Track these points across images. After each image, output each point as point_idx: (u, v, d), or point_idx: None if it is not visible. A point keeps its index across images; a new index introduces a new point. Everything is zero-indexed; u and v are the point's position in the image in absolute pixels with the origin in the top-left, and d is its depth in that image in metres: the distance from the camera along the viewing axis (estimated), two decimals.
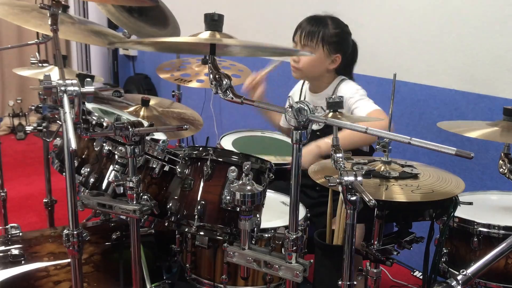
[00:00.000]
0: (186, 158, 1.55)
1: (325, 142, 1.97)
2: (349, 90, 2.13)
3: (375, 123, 1.88)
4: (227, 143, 2.42)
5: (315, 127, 2.17)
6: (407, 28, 2.71)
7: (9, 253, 1.66)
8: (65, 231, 1.29)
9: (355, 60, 2.27)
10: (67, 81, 1.17)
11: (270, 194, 1.97)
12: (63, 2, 1.68)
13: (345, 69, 2.24)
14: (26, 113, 5.01)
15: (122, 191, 1.38)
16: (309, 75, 2.22)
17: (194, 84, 2.64)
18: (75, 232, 1.29)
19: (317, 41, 2.10)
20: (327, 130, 2.11)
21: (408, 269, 2.80)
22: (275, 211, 1.83)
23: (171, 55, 3.12)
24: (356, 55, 2.27)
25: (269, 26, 3.66)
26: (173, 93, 3.17)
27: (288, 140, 2.52)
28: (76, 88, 1.17)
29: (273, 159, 1.98)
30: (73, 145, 1.06)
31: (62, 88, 1.16)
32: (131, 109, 2.29)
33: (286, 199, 1.98)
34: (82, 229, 1.31)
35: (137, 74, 5.52)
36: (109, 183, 1.55)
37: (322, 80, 2.22)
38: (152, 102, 2.35)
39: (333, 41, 2.12)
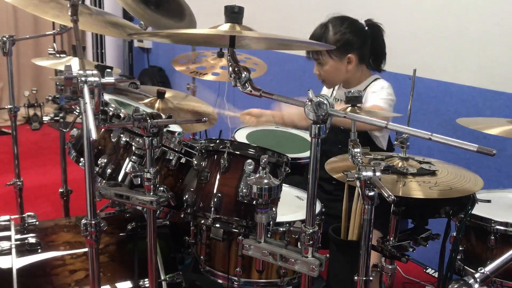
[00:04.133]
0: (203, 151, 1.55)
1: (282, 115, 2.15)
2: (377, 86, 2.13)
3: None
4: (241, 136, 2.42)
5: None
6: (425, 24, 2.68)
7: (26, 241, 1.68)
8: (83, 220, 1.30)
9: (378, 48, 2.19)
10: (88, 72, 1.18)
11: (285, 188, 1.97)
12: None
13: (376, 61, 2.21)
14: (41, 104, 5.06)
15: (139, 182, 1.38)
16: (336, 81, 2.24)
17: (209, 77, 2.64)
18: (93, 222, 1.29)
19: (323, 53, 2.12)
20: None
21: (421, 266, 2.79)
22: (290, 205, 1.83)
23: (185, 48, 3.13)
24: (377, 43, 2.19)
25: (284, 20, 3.65)
26: (188, 86, 3.18)
27: (302, 134, 2.53)
28: (97, 79, 1.17)
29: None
30: (94, 135, 1.06)
31: (83, 79, 1.17)
32: (146, 101, 2.30)
33: (301, 193, 1.98)
34: (100, 219, 1.32)
35: (151, 67, 5.54)
36: (126, 174, 1.56)
37: (352, 80, 2.21)
38: (167, 95, 2.36)
39: (337, 47, 2.10)
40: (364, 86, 2.18)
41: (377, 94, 2.07)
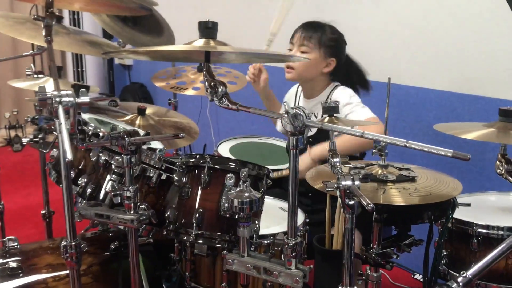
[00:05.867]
0: (183, 166, 1.54)
1: (316, 151, 2.04)
2: (343, 96, 2.13)
3: (371, 127, 1.89)
4: (224, 150, 2.42)
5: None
6: (401, 31, 2.72)
7: (6, 266, 1.64)
8: (62, 242, 1.29)
9: (350, 74, 2.26)
10: (62, 92, 1.17)
11: (269, 200, 1.97)
12: (57, 13, 1.68)
13: (340, 79, 2.25)
14: (23, 125, 4.99)
15: (119, 201, 1.37)
16: (302, 76, 2.21)
17: (190, 92, 2.64)
18: (73, 243, 1.28)
19: (314, 43, 2.14)
20: (319, 136, 2.11)
21: (409, 272, 2.79)
22: (274, 217, 1.82)
23: (166, 63, 3.12)
24: (351, 69, 2.26)
25: (264, 33, 3.67)
26: (169, 101, 3.16)
27: (285, 145, 2.53)
28: (71, 99, 1.17)
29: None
30: (69, 156, 1.05)
31: (57, 99, 1.16)
32: (127, 118, 2.28)
33: (285, 205, 1.97)
34: (80, 240, 1.30)
35: (133, 83, 5.52)
36: (106, 193, 1.54)
37: (316, 84, 2.22)
38: (148, 111, 2.35)
39: (329, 45, 2.15)
40: (326, 94, 2.20)
41: (355, 106, 2.08)
